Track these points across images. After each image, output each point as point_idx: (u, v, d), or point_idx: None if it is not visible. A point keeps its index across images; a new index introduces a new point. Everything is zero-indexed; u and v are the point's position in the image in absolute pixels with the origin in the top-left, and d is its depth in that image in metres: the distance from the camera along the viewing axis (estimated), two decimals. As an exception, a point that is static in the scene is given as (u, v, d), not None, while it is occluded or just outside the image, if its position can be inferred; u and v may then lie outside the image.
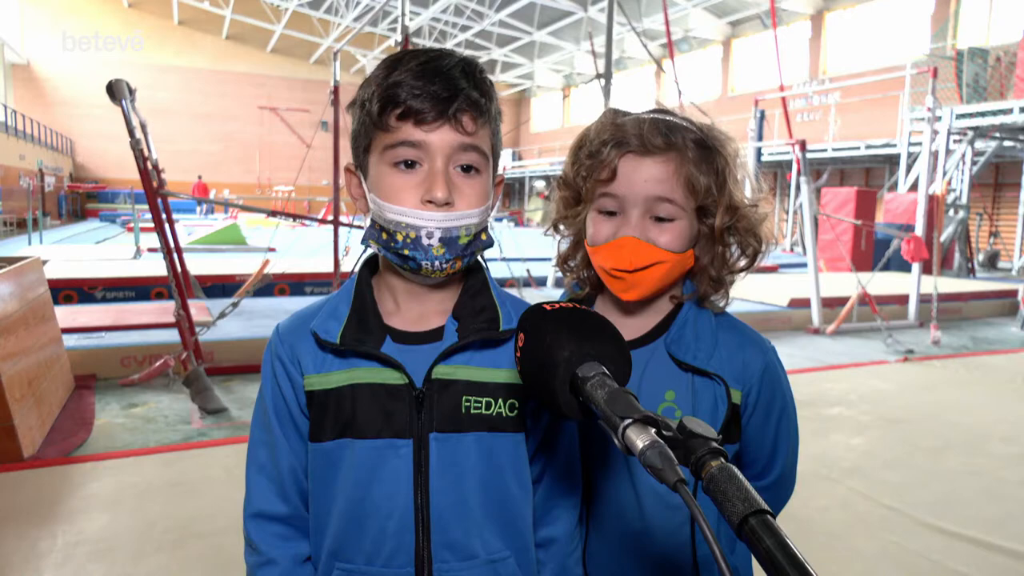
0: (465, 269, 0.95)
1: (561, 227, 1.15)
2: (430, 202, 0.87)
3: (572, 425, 1.02)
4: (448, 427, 0.92)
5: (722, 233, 1.05)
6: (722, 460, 0.56)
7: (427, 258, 0.88)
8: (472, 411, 0.93)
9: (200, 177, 28.35)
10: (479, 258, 0.99)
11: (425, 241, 0.87)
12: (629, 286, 1.04)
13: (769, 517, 0.51)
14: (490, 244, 0.94)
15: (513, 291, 7.84)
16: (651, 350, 1.07)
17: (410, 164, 0.88)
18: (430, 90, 0.85)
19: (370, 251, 0.97)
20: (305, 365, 0.95)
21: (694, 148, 1.02)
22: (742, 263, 1.10)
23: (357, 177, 0.96)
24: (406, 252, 0.88)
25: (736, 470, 0.55)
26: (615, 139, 1.02)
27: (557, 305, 0.74)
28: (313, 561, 0.98)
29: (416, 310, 0.97)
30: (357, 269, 1.02)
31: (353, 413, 0.92)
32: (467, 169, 0.90)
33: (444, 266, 0.89)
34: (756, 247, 1.08)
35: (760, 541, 0.50)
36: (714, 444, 0.57)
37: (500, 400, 0.94)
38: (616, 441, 0.60)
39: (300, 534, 0.98)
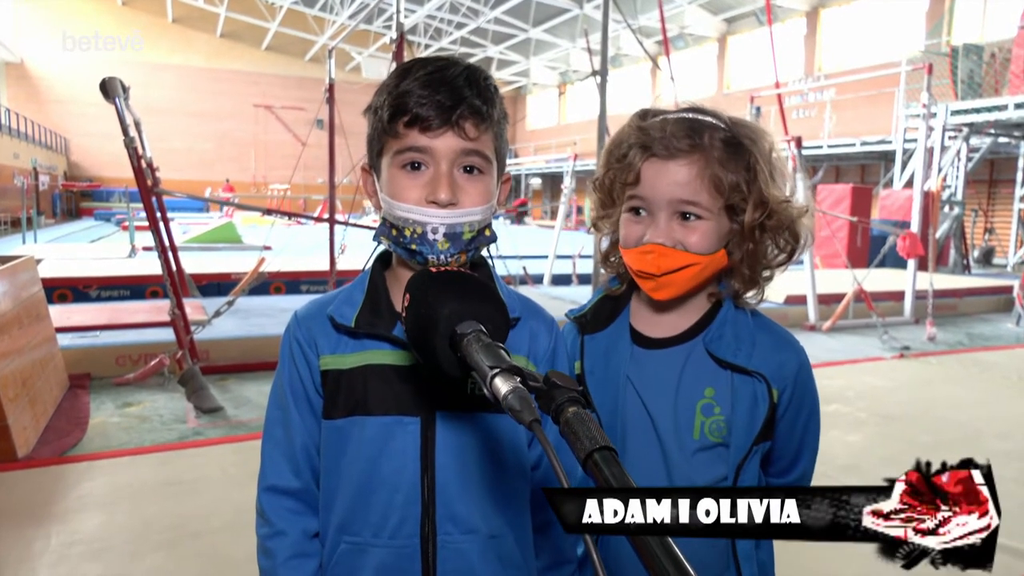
0: (471, 264, 1.02)
1: (600, 226, 1.17)
2: (434, 202, 0.93)
3: None
4: (454, 406, 0.98)
5: (752, 230, 1.05)
6: (578, 407, 0.59)
7: (433, 252, 0.94)
8: (477, 392, 0.97)
9: (228, 180, 28.79)
10: (486, 255, 1.06)
11: (431, 236, 0.94)
12: (659, 286, 1.06)
13: (611, 454, 0.55)
14: (493, 239, 1.00)
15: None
16: (690, 348, 1.09)
17: (416, 166, 0.94)
18: (435, 99, 0.92)
19: (382, 247, 1.04)
20: (321, 347, 1.01)
21: (721, 147, 1.02)
22: (780, 259, 1.10)
23: (371, 176, 1.02)
24: (413, 247, 0.95)
25: (589, 414, 0.58)
26: (640, 142, 1.04)
27: (442, 268, 0.79)
28: (321, 537, 1.03)
29: None
30: (370, 264, 1.07)
31: (365, 392, 0.98)
32: (469, 170, 0.96)
33: (449, 260, 0.95)
34: (792, 243, 1.08)
35: (600, 472, 0.54)
36: (574, 393, 0.60)
37: None
38: (485, 390, 0.64)
39: (310, 510, 1.03)
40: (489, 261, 1.07)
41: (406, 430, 0.97)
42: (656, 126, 1.04)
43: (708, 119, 1.05)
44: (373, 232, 1.02)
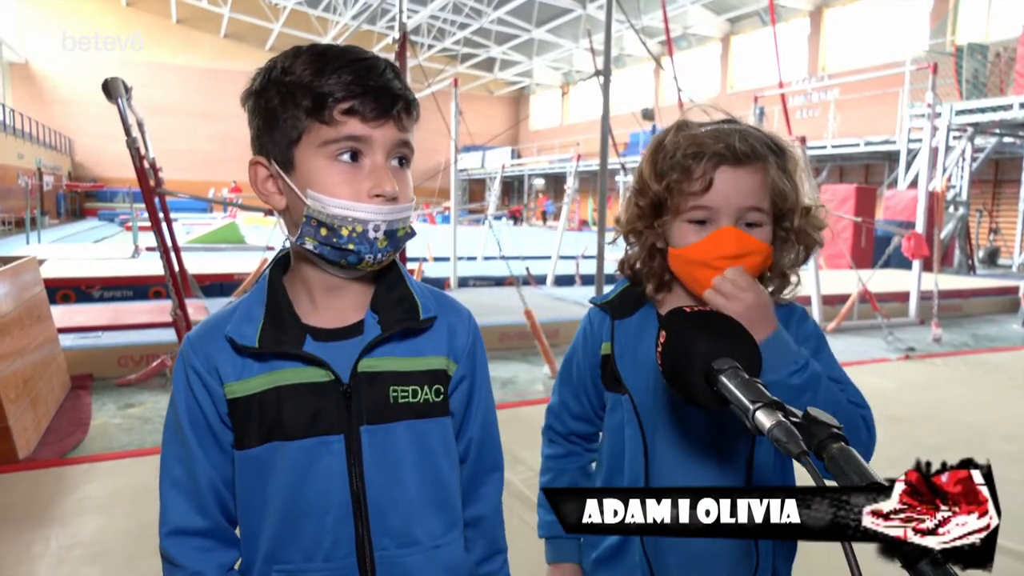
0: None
1: (639, 237, 1.16)
2: (378, 196, 0.88)
3: (483, 396, 1.05)
4: (378, 418, 0.94)
5: (799, 234, 1.10)
6: (842, 444, 0.60)
7: (371, 251, 0.89)
8: (400, 400, 0.95)
9: (235, 181, 28.81)
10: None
11: (371, 235, 0.89)
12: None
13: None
14: (414, 235, 0.97)
15: (512, 290, 7.69)
16: None
17: (355, 158, 0.89)
18: (373, 88, 0.88)
19: (280, 252, 0.99)
20: (224, 373, 0.94)
21: (772, 156, 1.07)
22: (801, 259, 1.16)
23: (270, 171, 0.92)
24: (351, 247, 0.88)
25: (855, 452, 0.60)
26: (709, 152, 1.04)
27: (696, 308, 0.84)
28: (247, 570, 0.97)
29: (335, 306, 0.97)
30: (267, 270, 1.00)
31: (279, 415, 0.92)
32: (402, 163, 0.93)
33: (382, 258, 0.91)
34: (818, 242, 1.14)
35: None
36: (835, 430, 0.62)
37: (426, 387, 0.97)
38: (747, 423, 0.67)
39: (223, 544, 0.97)
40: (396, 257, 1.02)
41: (331, 450, 0.92)
42: (712, 135, 1.06)
43: (752, 130, 1.09)
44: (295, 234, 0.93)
